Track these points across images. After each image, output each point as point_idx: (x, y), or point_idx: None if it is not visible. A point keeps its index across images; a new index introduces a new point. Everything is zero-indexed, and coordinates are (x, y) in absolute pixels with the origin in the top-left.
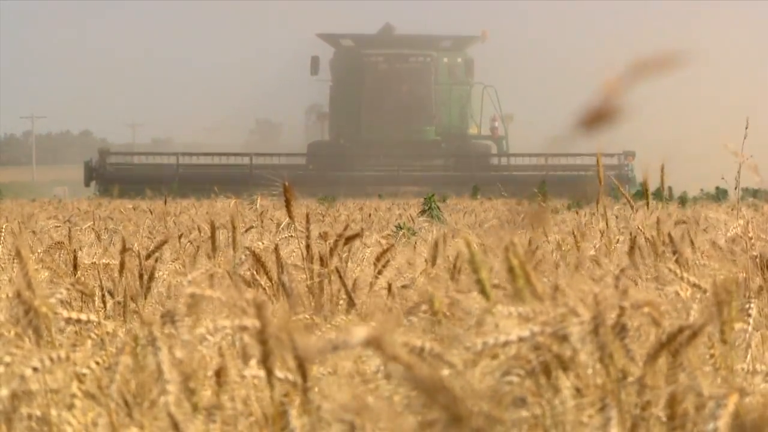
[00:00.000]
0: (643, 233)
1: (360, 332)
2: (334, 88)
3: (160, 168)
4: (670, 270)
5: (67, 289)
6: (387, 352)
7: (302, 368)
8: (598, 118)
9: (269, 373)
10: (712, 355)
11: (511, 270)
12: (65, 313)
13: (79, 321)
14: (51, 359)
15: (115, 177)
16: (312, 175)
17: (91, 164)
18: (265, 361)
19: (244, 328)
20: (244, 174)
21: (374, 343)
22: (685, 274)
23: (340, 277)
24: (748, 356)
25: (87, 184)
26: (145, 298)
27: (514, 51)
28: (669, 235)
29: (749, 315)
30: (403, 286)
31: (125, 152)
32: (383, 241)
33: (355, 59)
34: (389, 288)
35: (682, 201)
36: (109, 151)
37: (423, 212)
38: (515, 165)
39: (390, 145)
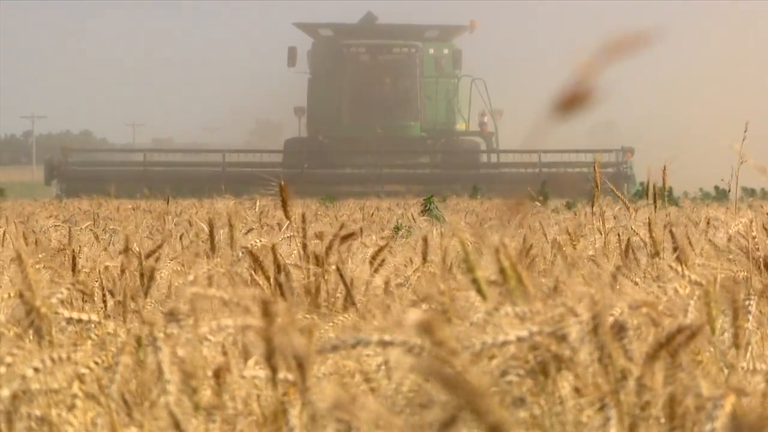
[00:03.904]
0: (638, 234)
1: (414, 315)
2: (313, 81)
3: (127, 166)
4: (670, 267)
5: (68, 289)
6: (436, 337)
7: (301, 368)
8: (572, 101)
9: (273, 371)
10: (709, 355)
11: (502, 271)
12: (66, 313)
13: (80, 321)
14: (52, 359)
15: (79, 176)
16: (288, 173)
17: (53, 162)
18: (269, 360)
19: (246, 328)
20: (216, 173)
21: (425, 328)
22: (686, 272)
23: (341, 275)
24: (748, 355)
25: (48, 183)
26: (146, 298)
27: (505, 42)
28: (671, 232)
29: (749, 312)
30: (398, 285)
31: (89, 149)
32: (381, 242)
33: (335, 50)
34: (385, 287)
35: (675, 202)
36: (72, 148)
37: (423, 212)
38: (506, 162)
39: (372, 141)
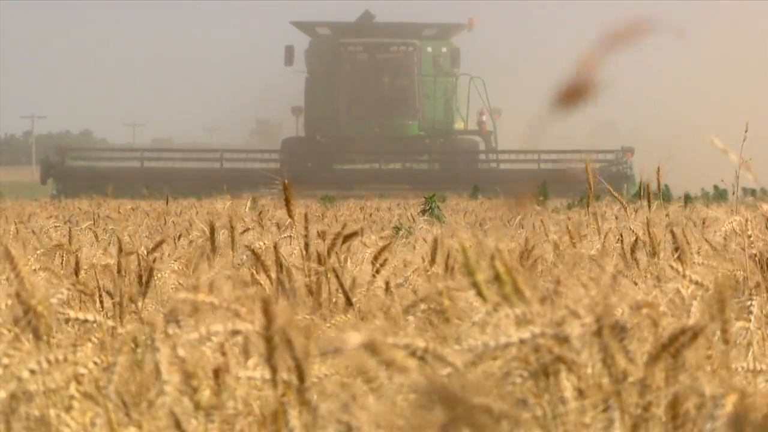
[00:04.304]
0: (636, 234)
1: (355, 337)
2: (310, 80)
3: (124, 166)
4: (671, 267)
5: (68, 290)
6: (383, 356)
7: (300, 369)
8: (574, 94)
9: (273, 371)
10: (709, 356)
11: (497, 277)
12: (72, 313)
13: (85, 321)
14: (49, 361)
15: (75, 175)
16: (286, 173)
17: (48, 161)
18: (269, 360)
19: (236, 332)
20: (214, 173)
21: (370, 348)
22: (687, 272)
23: (337, 277)
24: (750, 355)
25: (43, 182)
26: (144, 299)
27: (503, 40)
28: (671, 232)
29: (750, 312)
30: (398, 285)
31: (86, 148)
32: (381, 242)
33: (332, 49)
34: (387, 287)
35: (690, 199)
36: (69, 147)
37: (424, 212)
38: (505, 162)
39: (370, 140)
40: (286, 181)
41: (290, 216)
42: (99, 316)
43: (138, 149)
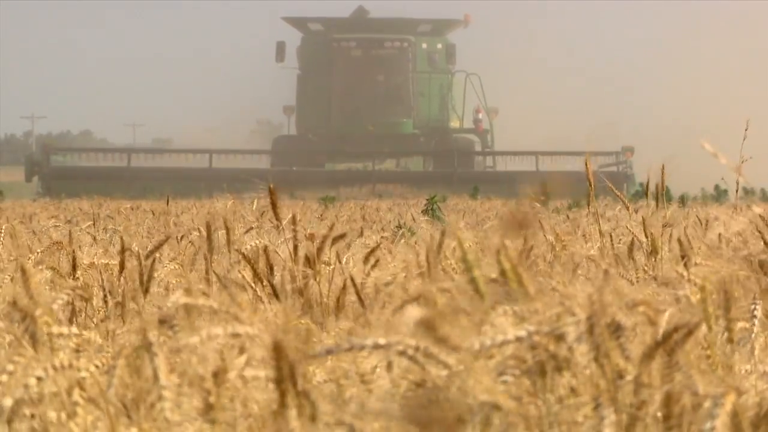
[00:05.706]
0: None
1: (413, 312)
2: (302, 77)
3: (110, 166)
4: (674, 270)
5: (68, 294)
6: (438, 334)
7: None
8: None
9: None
10: (708, 356)
11: (503, 273)
12: (55, 329)
13: (61, 335)
14: (54, 368)
15: (60, 174)
16: (277, 172)
17: (33, 159)
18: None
19: (236, 336)
20: (203, 172)
21: (427, 325)
22: (686, 273)
23: (317, 280)
24: (753, 358)
25: (28, 180)
26: (144, 299)
27: (500, 37)
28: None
29: (754, 316)
30: (386, 284)
31: (72, 147)
32: (373, 242)
33: (325, 45)
34: (376, 288)
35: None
36: (54, 145)
37: (425, 212)
38: (502, 162)
39: (363, 139)
40: (272, 185)
41: (277, 218)
42: (75, 329)
43: (126, 149)
